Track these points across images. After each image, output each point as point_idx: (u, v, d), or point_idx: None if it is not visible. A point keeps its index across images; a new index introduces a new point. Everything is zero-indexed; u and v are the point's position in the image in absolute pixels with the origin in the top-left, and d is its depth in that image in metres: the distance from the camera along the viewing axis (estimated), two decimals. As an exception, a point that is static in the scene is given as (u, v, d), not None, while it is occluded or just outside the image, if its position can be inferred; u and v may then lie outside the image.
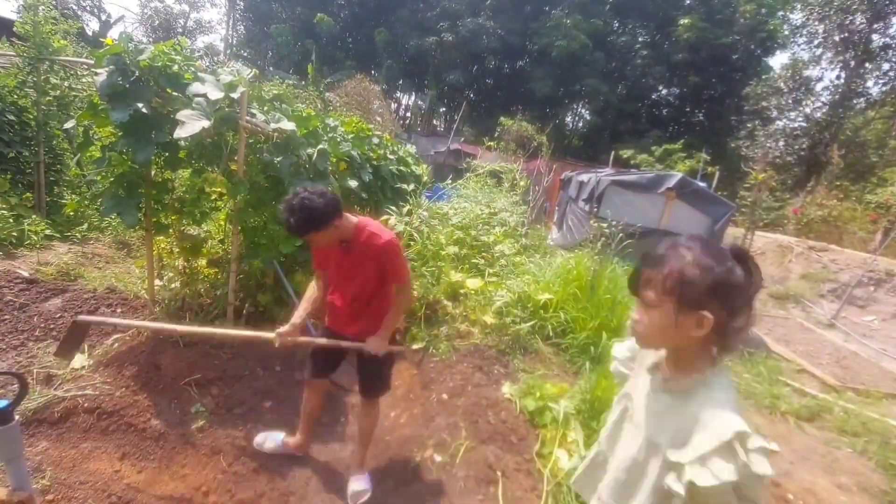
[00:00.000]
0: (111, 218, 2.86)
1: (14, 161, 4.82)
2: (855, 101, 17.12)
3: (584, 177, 10.10)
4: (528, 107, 27.23)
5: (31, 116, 4.85)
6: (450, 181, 8.96)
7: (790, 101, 17.96)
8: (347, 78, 18.17)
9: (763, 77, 19.87)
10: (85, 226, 4.95)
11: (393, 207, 4.69)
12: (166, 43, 2.81)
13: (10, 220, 4.22)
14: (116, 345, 2.84)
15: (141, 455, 2.28)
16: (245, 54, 30.00)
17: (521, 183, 8.95)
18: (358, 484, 2.38)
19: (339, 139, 3.85)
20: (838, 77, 17.26)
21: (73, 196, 5.29)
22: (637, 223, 7.59)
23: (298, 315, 2.22)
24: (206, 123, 2.54)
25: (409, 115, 33.09)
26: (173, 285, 3.42)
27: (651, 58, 25.76)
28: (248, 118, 2.86)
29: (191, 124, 2.50)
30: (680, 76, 25.38)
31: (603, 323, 3.85)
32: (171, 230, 3.15)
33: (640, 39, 28.29)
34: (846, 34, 16.09)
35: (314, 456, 2.64)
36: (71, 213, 4.84)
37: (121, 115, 2.46)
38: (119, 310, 3.23)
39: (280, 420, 2.80)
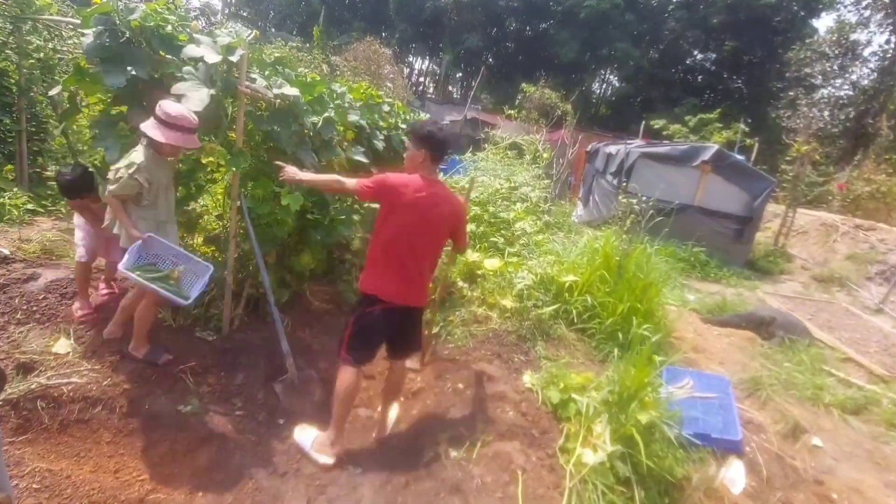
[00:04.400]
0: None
1: (-7, 129, 4.68)
2: (905, 68, 16.06)
3: (613, 148, 10.06)
4: (552, 73, 26.45)
5: (13, 81, 4.64)
6: (470, 153, 8.77)
7: (836, 68, 17.27)
8: (356, 41, 17.48)
9: (807, 41, 19.04)
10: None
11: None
12: (159, 1, 2.66)
13: (-11, 194, 4.06)
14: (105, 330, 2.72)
15: (129, 449, 2.20)
16: (245, 14, 29.05)
17: (545, 155, 8.90)
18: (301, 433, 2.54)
19: (346, 107, 3.68)
20: (888, 41, 16.34)
21: (57, 167, 5.20)
22: (669, 199, 7.40)
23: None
24: (210, 92, 2.43)
25: (422, 80, 32.19)
26: (166, 264, 3.31)
27: (686, 20, 24.99)
28: (247, 83, 2.70)
29: (192, 96, 2.39)
30: (717, 40, 24.78)
31: (632, 307, 3.76)
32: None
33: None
34: (897, -6, 14.94)
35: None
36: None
37: (116, 80, 2.33)
38: (107, 290, 3.11)
39: (278, 410, 2.73)
